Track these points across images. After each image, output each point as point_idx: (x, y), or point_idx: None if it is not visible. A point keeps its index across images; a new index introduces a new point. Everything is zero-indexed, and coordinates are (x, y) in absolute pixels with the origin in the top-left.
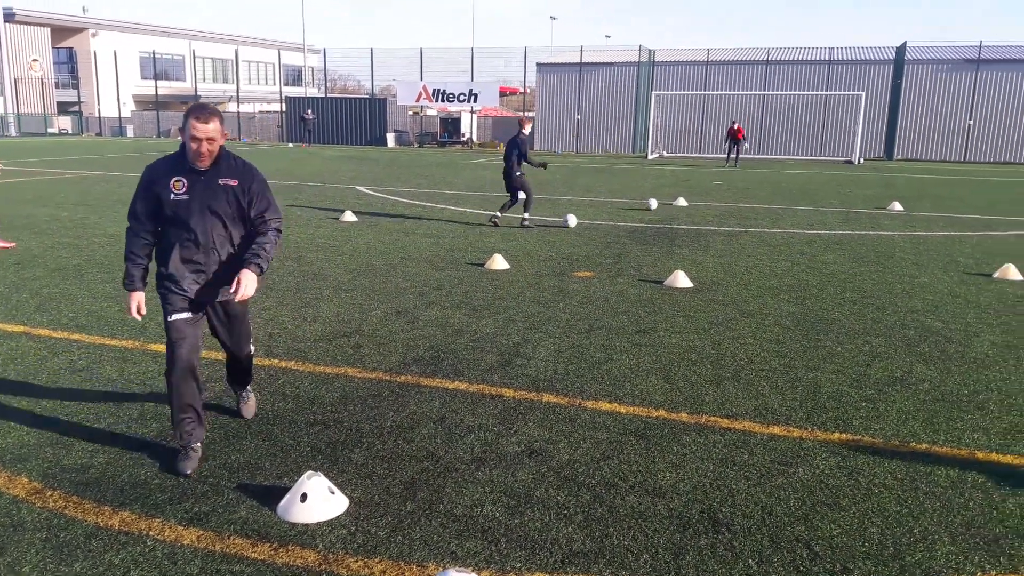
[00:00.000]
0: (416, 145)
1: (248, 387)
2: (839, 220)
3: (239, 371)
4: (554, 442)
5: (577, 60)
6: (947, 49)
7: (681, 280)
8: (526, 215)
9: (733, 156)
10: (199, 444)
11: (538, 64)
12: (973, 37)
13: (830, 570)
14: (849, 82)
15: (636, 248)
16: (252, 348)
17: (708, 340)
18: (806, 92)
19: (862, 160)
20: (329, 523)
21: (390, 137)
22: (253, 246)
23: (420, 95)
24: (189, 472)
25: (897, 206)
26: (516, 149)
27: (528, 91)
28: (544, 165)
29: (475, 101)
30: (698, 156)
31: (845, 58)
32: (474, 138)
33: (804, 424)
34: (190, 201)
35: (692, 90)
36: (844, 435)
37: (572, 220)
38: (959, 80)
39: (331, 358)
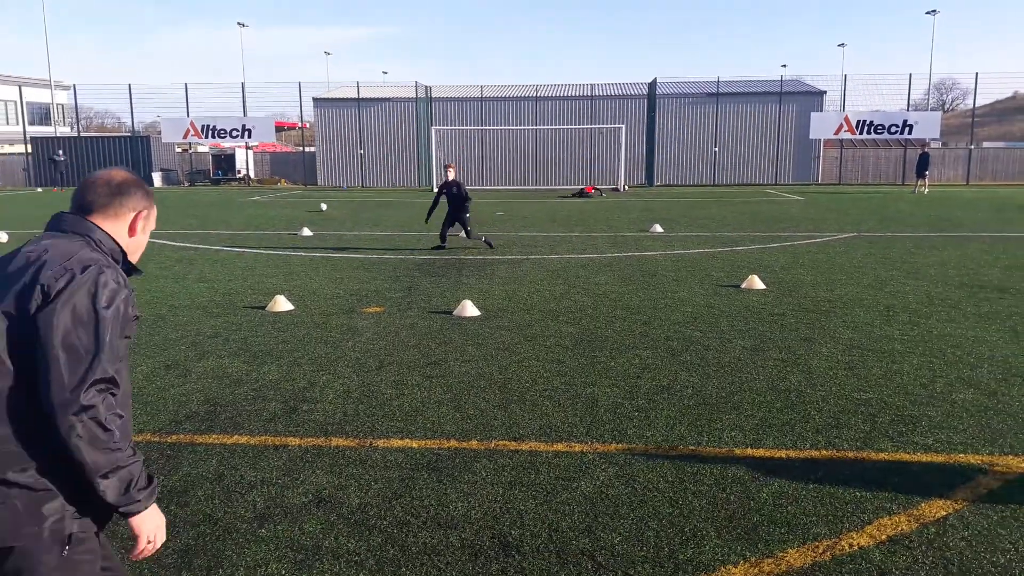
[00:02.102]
0: (186, 184)
1: None
2: (608, 244)
3: None
4: (344, 487)
5: (355, 95)
6: (691, 84)
7: (469, 309)
8: (469, 234)
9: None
10: None
11: (315, 99)
12: (712, 73)
13: None
14: (610, 116)
15: (425, 280)
16: None
17: (496, 366)
18: (573, 126)
19: (627, 187)
20: None
21: (156, 176)
22: None
23: (188, 131)
24: None
25: (658, 228)
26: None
27: (307, 126)
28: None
29: (250, 136)
30: (481, 188)
31: (605, 94)
32: (251, 174)
33: (585, 438)
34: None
35: (469, 125)
36: (620, 445)
37: None
38: (703, 112)
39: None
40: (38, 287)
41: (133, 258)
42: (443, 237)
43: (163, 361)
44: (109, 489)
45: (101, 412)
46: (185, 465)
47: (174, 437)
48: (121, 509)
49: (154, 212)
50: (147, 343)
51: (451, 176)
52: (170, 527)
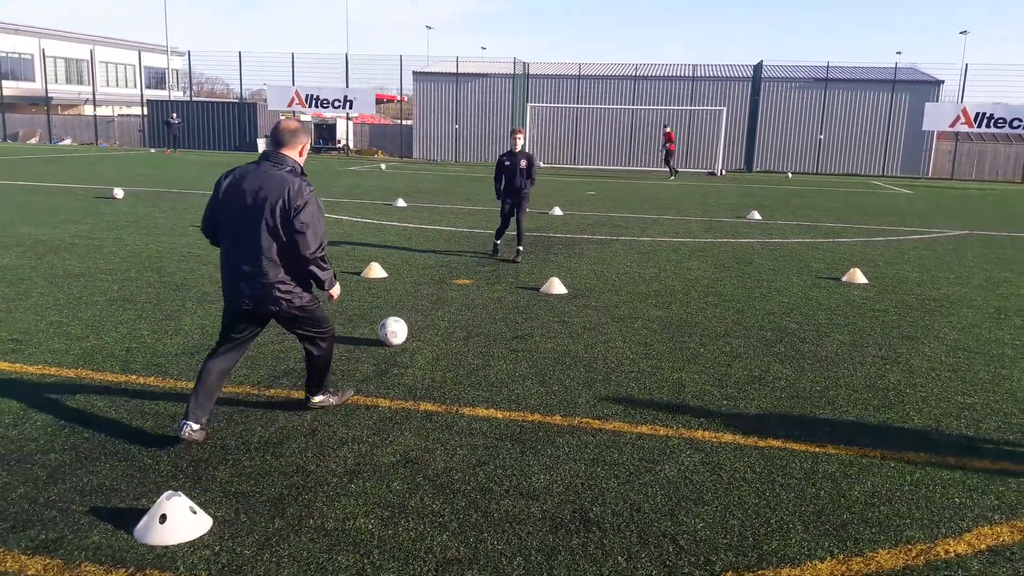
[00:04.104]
0: None
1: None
2: (702, 229)
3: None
4: (430, 450)
5: (453, 70)
6: (799, 68)
7: (556, 287)
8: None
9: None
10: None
11: (414, 73)
12: (821, 57)
13: (694, 563)
14: (711, 98)
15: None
16: None
17: (581, 344)
18: (672, 107)
19: (724, 172)
20: (191, 544)
21: (261, 143)
22: None
23: (292, 100)
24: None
25: (756, 215)
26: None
27: (405, 99)
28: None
29: (351, 108)
30: (572, 167)
31: (707, 75)
32: (351, 145)
33: (670, 423)
34: None
35: (565, 103)
36: (707, 432)
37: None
38: (810, 97)
39: (194, 372)
40: (290, 202)
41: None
42: (499, 234)
43: None
44: (326, 283)
45: (324, 256)
46: (281, 418)
47: (272, 391)
48: (327, 288)
49: (309, 142)
50: None
51: (519, 145)
52: (265, 476)
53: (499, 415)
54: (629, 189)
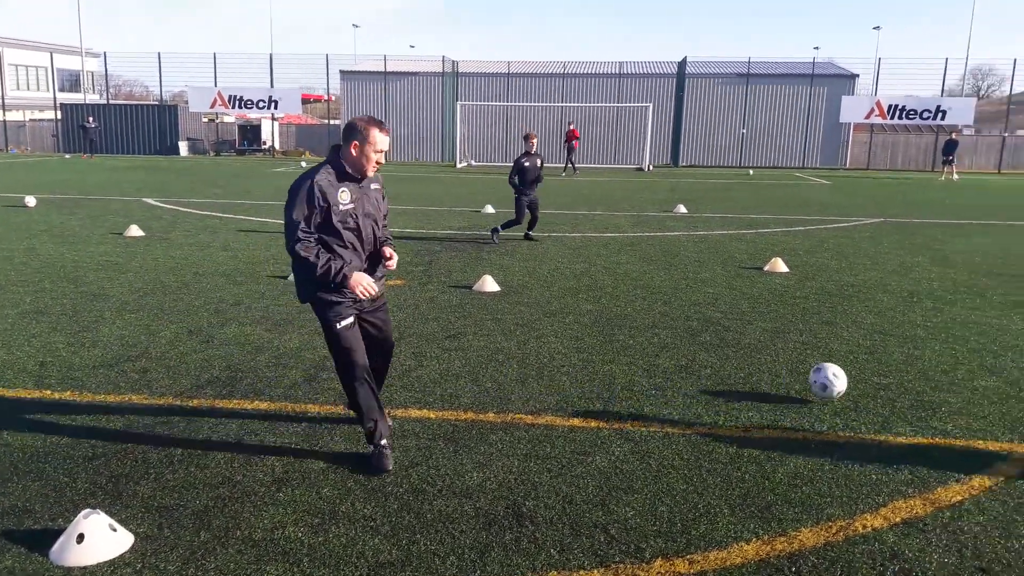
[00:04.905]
0: (212, 154)
1: None
2: (631, 223)
3: (385, 371)
4: (361, 455)
5: (381, 68)
6: (722, 64)
7: (489, 284)
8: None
9: (570, 164)
10: (389, 439)
11: (341, 71)
12: (743, 54)
13: (626, 551)
14: (638, 95)
15: (446, 255)
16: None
17: (514, 341)
18: (600, 104)
19: (651, 167)
20: (111, 563)
21: (183, 146)
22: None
23: (215, 101)
24: (391, 467)
25: (682, 209)
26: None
27: (332, 99)
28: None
29: (276, 108)
30: (504, 165)
31: (634, 72)
32: (276, 146)
33: (601, 414)
34: (355, 208)
35: (495, 101)
36: (636, 422)
37: None
38: (733, 92)
39: (113, 385)
40: None
41: (352, 169)
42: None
43: (186, 327)
44: (320, 278)
45: (300, 251)
46: (205, 428)
47: (195, 401)
48: (332, 281)
49: (369, 141)
50: (171, 309)
51: (534, 146)
52: (189, 489)
53: (432, 415)
54: (559, 186)
